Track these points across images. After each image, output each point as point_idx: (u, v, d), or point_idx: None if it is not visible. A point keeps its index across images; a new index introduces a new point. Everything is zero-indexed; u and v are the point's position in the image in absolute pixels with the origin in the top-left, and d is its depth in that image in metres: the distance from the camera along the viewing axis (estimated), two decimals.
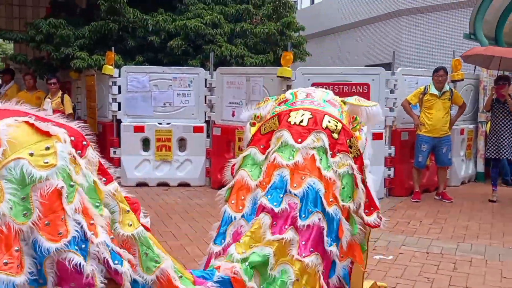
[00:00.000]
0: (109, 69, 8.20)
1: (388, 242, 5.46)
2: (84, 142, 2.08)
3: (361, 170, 2.83)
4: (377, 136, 7.66)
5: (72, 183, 1.94)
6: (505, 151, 7.52)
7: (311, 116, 2.79)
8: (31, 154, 1.83)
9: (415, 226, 6.18)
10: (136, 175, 8.39)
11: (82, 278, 1.87)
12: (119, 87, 8.41)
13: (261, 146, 2.84)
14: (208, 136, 8.53)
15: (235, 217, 2.71)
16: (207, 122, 8.54)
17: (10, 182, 1.79)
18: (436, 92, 7.48)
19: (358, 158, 2.84)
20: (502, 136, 7.57)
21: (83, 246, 1.90)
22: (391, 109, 7.87)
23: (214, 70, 8.54)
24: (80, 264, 1.85)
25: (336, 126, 2.79)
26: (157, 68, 8.73)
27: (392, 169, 7.87)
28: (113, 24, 9.23)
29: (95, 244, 1.93)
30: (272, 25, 10.12)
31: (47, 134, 1.91)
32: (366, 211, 2.87)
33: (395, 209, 7.06)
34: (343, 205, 2.68)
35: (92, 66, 8.72)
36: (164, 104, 8.52)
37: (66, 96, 8.95)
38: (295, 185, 2.61)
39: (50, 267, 1.85)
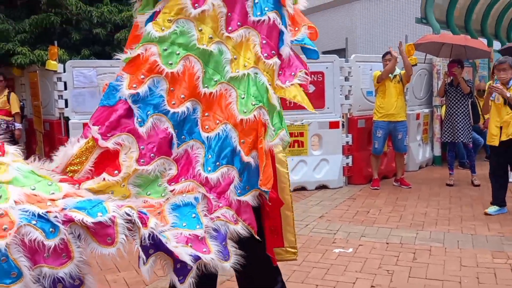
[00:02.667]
0: (52, 64, 7.75)
1: (347, 233, 5.35)
2: None
3: None
4: (334, 125, 7.58)
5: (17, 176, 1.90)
6: (460, 134, 7.55)
7: None
8: None
9: (375, 215, 6.11)
10: None
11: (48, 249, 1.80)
12: (65, 83, 7.95)
13: None
14: None
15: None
16: None
17: None
18: (389, 75, 7.41)
19: None
20: (457, 120, 7.60)
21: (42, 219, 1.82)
22: (346, 97, 7.78)
23: None
24: (37, 238, 1.78)
25: None
26: (104, 62, 8.30)
27: (350, 157, 7.80)
28: (55, 17, 8.74)
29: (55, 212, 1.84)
30: None
31: None
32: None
33: (354, 198, 6.99)
34: None
35: (34, 62, 8.24)
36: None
37: (12, 94, 8.48)
38: None
39: (17, 255, 1.76)
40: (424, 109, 9.23)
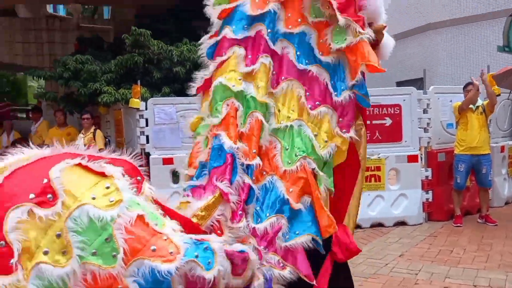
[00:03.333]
0: (135, 102, 8.17)
1: (430, 274, 5.12)
2: (139, 177, 2.01)
3: None
4: (412, 159, 7.37)
5: (152, 211, 1.91)
6: None
7: None
8: (94, 198, 1.74)
9: (459, 254, 5.81)
10: None
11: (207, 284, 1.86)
12: (146, 120, 8.35)
13: None
14: None
15: None
16: None
17: (77, 233, 1.67)
18: (471, 107, 7.14)
19: None
20: None
21: (205, 246, 1.91)
22: (425, 130, 7.56)
23: None
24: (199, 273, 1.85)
25: None
26: (183, 98, 8.64)
27: (430, 192, 7.52)
28: (138, 57, 9.25)
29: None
30: None
31: (102, 175, 1.82)
32: None
33: (435, 236, 6.70)
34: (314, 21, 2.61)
35: (119, 100, 8.73)
36: (193, 134, 8.40)
37: (98, 132, 9.00)
38: (257, 6, 2.60)
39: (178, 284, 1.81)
40: (509, 141, 8.77)
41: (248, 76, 2.51)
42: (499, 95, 7.96)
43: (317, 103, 2.52)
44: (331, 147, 2.51)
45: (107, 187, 1.80)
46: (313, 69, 2.56)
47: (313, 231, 2.39)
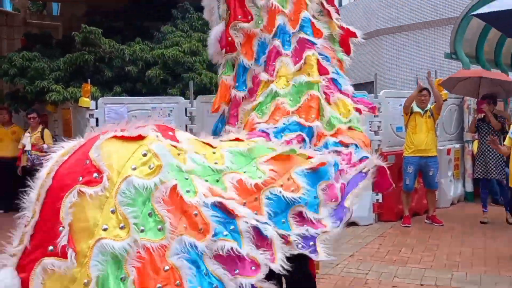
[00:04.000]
0: (85, 101, 7.94)
1: (380, 274, 5.22)
2: (170, 132, 2.11)
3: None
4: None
5: (186, 176, 1.94)
6: (493, 171, 7.39)
7: None
8: (134, 168, 1.83)
9: (407, 254, 5.96)
10: None
11: (242, 260, 1.89)
12: (97, 119, 8.14)
13: None
14: None
15: (249, 65, 3.23)
16: None
17: (130, 205, 1.77)
18: (419, 110, 7.36)
19: None
20: (489, 156, 7.45)
21: (232, 227, 1.93)
22: (376, 133, 7.72)
23: (194, 98, 8.33)
24: (233, 248, 1.87)
25: None
26: (135, 98, 8.50)
27: (380, 194, 7.68)
28: (89, 55, 9.00)
29: (241, 218, 1.96)
30: None
31: (138, 138, 1.91)
32: None
33: (385, 236, 6.84)
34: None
35: (68, 99, 8.46)
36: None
37: (46, 131, 8.69)
38: (294, 23, 3.14)
39: (210, 261, 1.84)
40: (455, 144, 9.08)
41: (299, 72, 3.04)
42: (445, 100, 8.24)
43: (331, 92, 3.20)
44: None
45: (144, 155, 1.89)
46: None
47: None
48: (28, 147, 8.48)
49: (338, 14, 3.48)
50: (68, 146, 1.92)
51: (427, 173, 7.43)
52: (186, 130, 8.29)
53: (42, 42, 10.59)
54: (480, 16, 5.38)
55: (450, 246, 6.28)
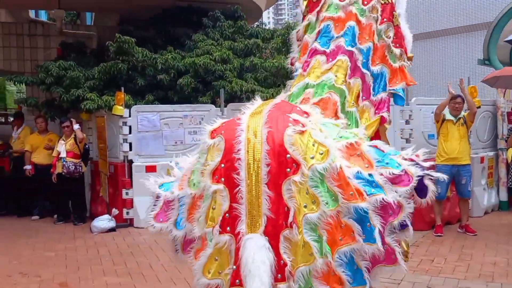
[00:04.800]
0: (119, 109, 8.14)
1: (412, 284, 5.18)
2: (308, 118, 2.66)
3: (392, 14, 3.58)
4: None
5: (339, 154, 2.50)
6: None
7: None
8: (312, 157, 2.42)
9: (440, 264, 5.89)
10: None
11: (390, 205, 2.48)
12: (130, 127, 8.34)
13: (316, 10, 3.55)
14: None
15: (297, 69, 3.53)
16: None
17: (316, 187, 2.40)
18: (452, 118, 7.28)
19: (389, 5, 3.54)
20: None
21: (374, 184, 2.47)
22: (407, 141, 7.66)
23: (225, 106, 8.44)
24: (383, 198, 2.44)
25: None
26: (167, 106, 8.67)
27: (411, 202, 7.58)
28: (122, 64, 9.20)
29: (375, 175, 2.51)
30: (281, 58, 10.02)
31: (305, 131, 2.50)
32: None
33: (417, 245, 6.77)
34: (380, 44, 3.44)
35: (102, 107, 8.66)
36: (176, 142, 8.43)
37: (76, 131, 8.88)
38: (339, 29, 3.38)
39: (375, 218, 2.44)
40: (489, 152, 8.94)
41: (328, 70, 3.27)
42: (479, 107, 8.13)
43: (363, 97, 3.31)
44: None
45: (313, 144, 2.43)
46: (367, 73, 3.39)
47: None
48: (63, 154, 8.70)
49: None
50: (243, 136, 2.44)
51: (460, 182, 7.33)
52: None
53: (77, 52, 10.87)
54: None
55: (484, 256, 6.19)
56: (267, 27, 13.69)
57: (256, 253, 2.25)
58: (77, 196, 8.92)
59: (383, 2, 3.54)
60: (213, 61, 9.44)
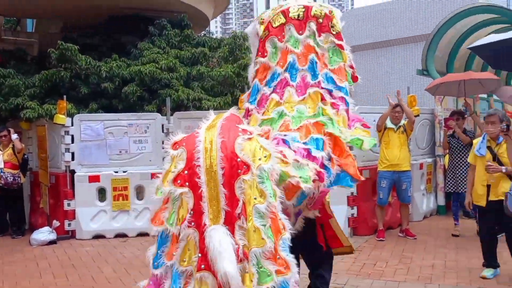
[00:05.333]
0: (60, 118, 7.92)
1: (355, 287, 5.29)
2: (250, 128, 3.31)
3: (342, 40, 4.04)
4: None
5: (277, 155, 3.10)
6: (463, 184, 7.57)
7: (304, 9, 3.99)
8: (260, 159, 2.94)
9: (382, 267, 6.06)
10: (92, 227, 8.04)
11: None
12: (72, 136, 8.12)
13: (278, 37, 3.98)
14: None
15: (261, 87, 3.97)
16: None
17: (262, 183, 2.90)
18: (393, 126, 7.53)
19: (338, 34, 4.00)
20: (459, 170, 7.65)
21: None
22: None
23: (171, 114, 8.37)
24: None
25: (321, 13, 3.97)
26: (111, 115, 8.51)
27: (355, 208, 7.79)
28: (65, 72, 8.99)
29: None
30: (229, 67, 10.09)
31: (253, 138, 3.06)
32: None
33: (360, 250, 6.93)
34: (332, 68, 3.92)
35: (43, 115, 8.41)
36: (120, 151, 8.28)
37: (15, 141, 8.55)
38: (303, 63, 3.88)
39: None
40: (427, 158, 9.28)
41: (301, 101, 3.77)
42: (418, 115, 8.44)
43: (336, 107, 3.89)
44: None
45: (260, 148, 2.96)
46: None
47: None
48: (0, 165, 8.36)
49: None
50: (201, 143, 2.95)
51: (401, 187, 7.58)
52: (163, 146, 8.32)
53: (17, 59, 10.54)
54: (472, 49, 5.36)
55: (424, 259, 6.41)
56: (214, 36, 13.73)
57: (222, 239, 2.72)
58: (16, 208, 8.58)
59: (334, 32, 4.01)
60: (159, 70, 9.38)
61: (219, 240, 2.71)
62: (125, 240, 7.85)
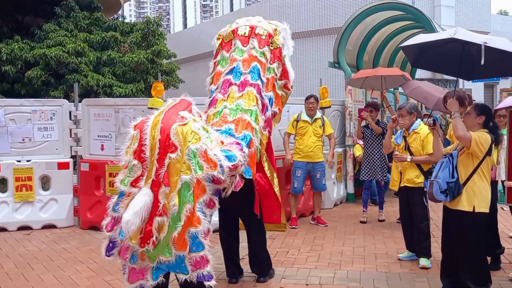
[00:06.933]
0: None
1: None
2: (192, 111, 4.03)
3: (281, 55, 5.20)
4: None
5: (209, 139, 3.89)
6: (378, 172, 7.94)
7: (249, 29, 5.15)
8: (190, 141, 3.67)
9: (294, 255, 6.18)
10: None
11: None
12: None
13: (226, 49, 5.12)
14: (75, 172, 7.90)
15: (213, 89, 4.99)
16: (73, 157, 7.92)
17: (190, 159, 3.67)
18: (308, 119, 7.68)
19: (277, 49, 5.15)
20: (374, 159, 8.00)
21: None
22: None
23: (80, 101, 7.97)
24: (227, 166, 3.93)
25: (264, 32, 5.14)
26: (13, 100, 7.95)
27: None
28: None
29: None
30: (141, 53, 9.79)
31: (187, 123, 3.76)
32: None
33: (273, 238, 7.01)
34: (271, 76, 5.06)
35: None
36: (23, 139, 7.75)
37: None
38: (246, 68, 4.91)
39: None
40: (338, 148, 9.58)
41: (240, 97, 4.74)
42: (329, 106, 8.67)
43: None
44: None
45: (191, 133, 3.69)
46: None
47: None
48: None
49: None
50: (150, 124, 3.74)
51: (315, 177, 7.77)
52: (71, 134, 7.93)
53: None
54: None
55: (333, 246, 6.63)
56: (127, 20, 13.25)
57: (138, 196, 3.57)
58: None
59: (272, 48, 5.10)
60: (66, 53, 8.90)
61: (137, 196, 3.57)
62: (29, 233, 7.41)
